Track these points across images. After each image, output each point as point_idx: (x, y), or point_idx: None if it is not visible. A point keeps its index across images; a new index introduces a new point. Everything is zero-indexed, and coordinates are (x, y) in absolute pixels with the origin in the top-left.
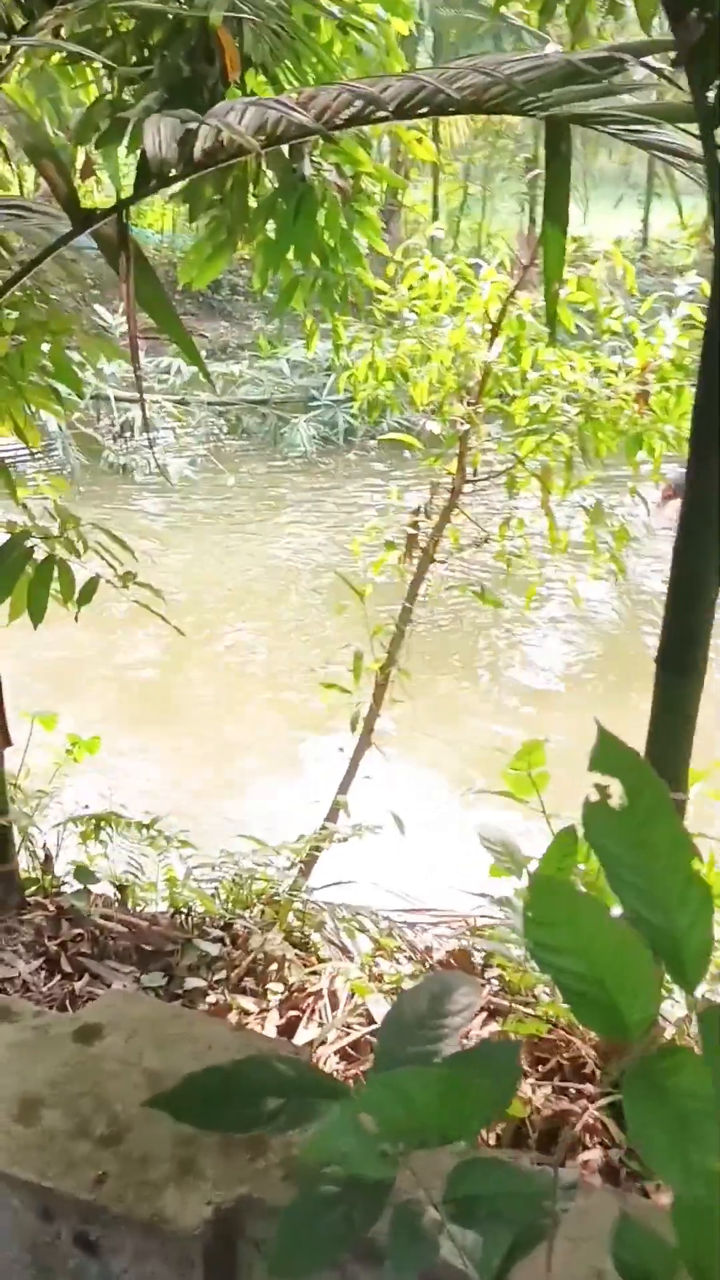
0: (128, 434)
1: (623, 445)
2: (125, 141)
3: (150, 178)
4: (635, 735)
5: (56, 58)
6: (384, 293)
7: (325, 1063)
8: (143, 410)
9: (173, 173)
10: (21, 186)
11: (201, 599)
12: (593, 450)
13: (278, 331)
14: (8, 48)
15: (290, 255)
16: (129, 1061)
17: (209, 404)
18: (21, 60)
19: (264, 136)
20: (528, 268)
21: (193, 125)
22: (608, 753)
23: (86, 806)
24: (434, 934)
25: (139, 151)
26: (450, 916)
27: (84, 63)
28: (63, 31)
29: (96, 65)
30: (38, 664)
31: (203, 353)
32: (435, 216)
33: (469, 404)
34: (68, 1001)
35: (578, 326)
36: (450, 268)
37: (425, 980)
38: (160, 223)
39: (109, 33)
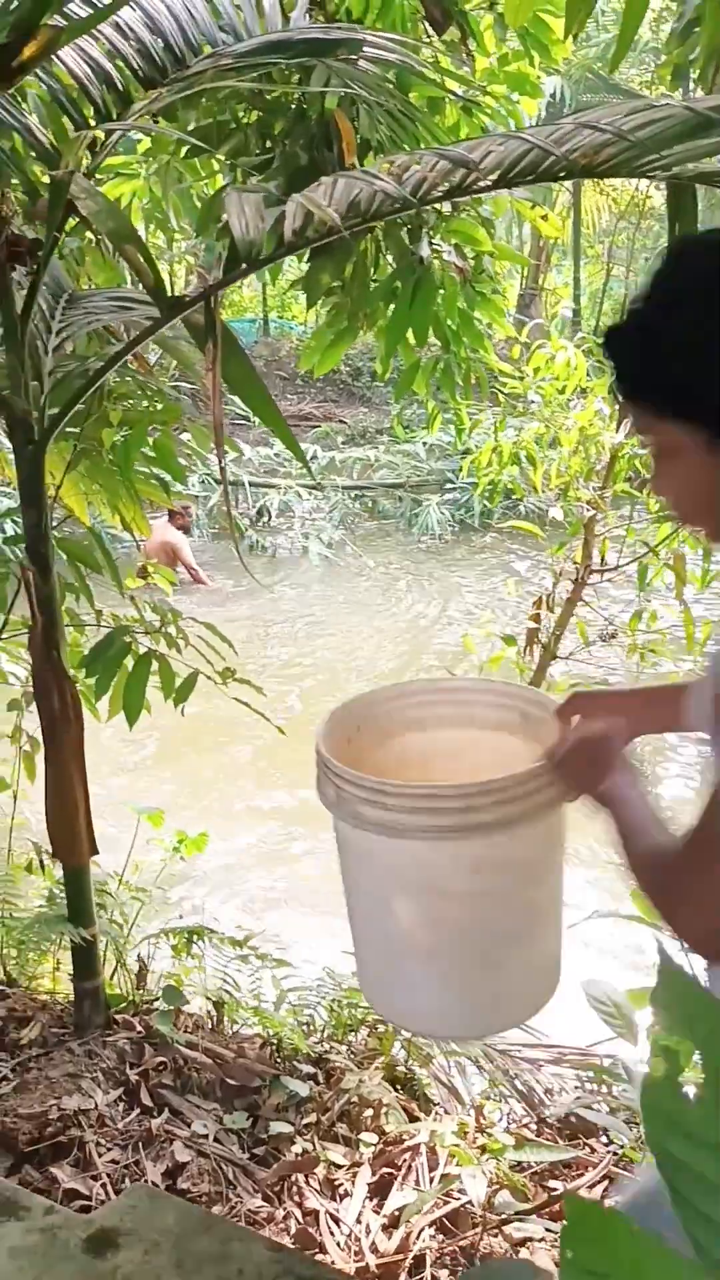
0: (264, 518)
1: None
2: None
3: (239, 260)
4: None
5: (182, 152)
6: (509, 375)
7: (419, 1236)
8: (225, 492)
9: (262, 254)
10: (173, 282)
11: (315, 684)
12: None
13: (416, 416)
14: (103, 134)
15: (410, 338)
16: None
17: (345, 489)
18: (148, 156)
19: (359, 213)
20: None
21: (280, 203)
22: (673, 994)
23: (180, 917)
24: (550, 1072)
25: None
26: (573, 1052)
27: (207, 156)
28: (190, 124)
29: (222, 158)
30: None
31: (340, 439)
32: (577, 299)
33: (595, 488)
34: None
35: None
36: (579, 347)
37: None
38: (305, 315)
39: (232, 125)
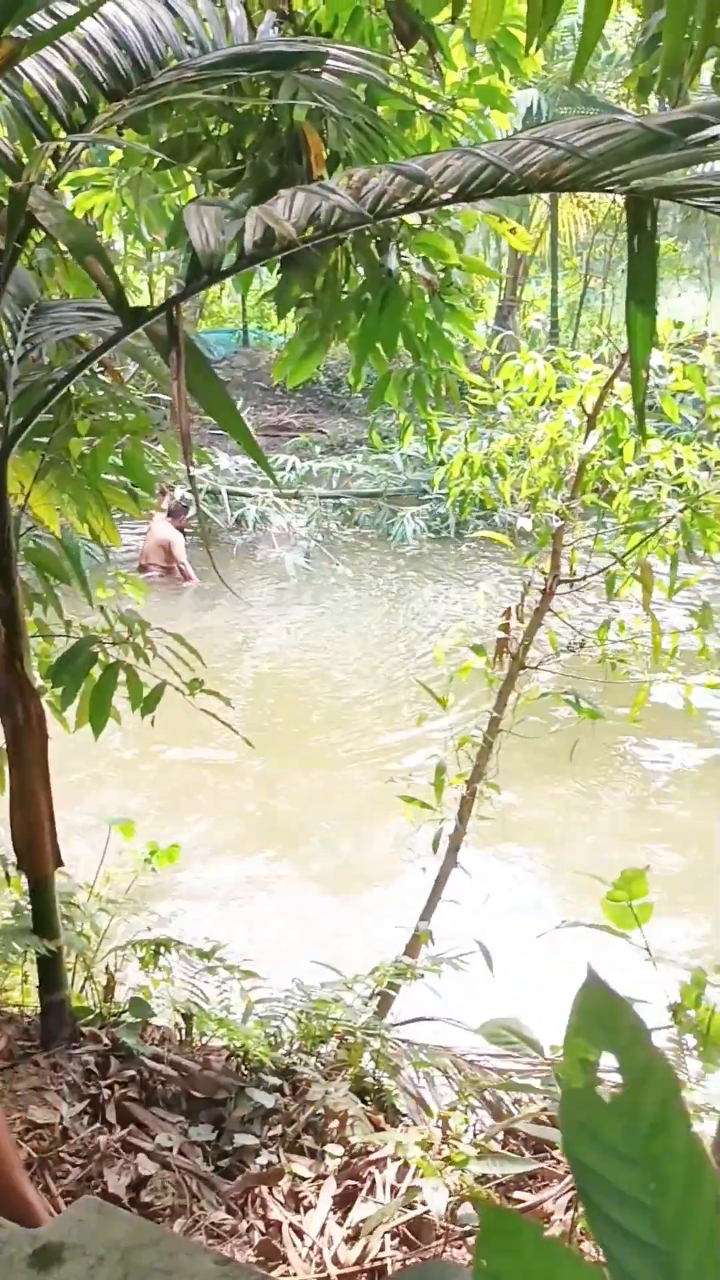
0: (241, 526)
1: None
2: None
3: (201, 272)
4: None
5: (154, 163)
6: (479, 386)
7: (382, 1248)
8: (197, 500)
9: (224, 266)
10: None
11: (292, 694)
12: (702, 548)
13: (393, 427)
14: (67, 145)
15: (381, 350)
16: None
17: (322, 498)
18: (120, 166)
19: (318, 227)
20: (625, 356)
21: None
22: (595, 1011)
23: (149, 929)
24: (518, 1080)
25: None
26: (541, 1061)
27: (178, 168)
28: (161, 137)
29: (193, 170)
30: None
31: (319, 449)
32: (555, 311)
33: (564, 499)
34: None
35: (685, 418)
36: (548, 359)
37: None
38: (285, 326)
39: (203, 137)
